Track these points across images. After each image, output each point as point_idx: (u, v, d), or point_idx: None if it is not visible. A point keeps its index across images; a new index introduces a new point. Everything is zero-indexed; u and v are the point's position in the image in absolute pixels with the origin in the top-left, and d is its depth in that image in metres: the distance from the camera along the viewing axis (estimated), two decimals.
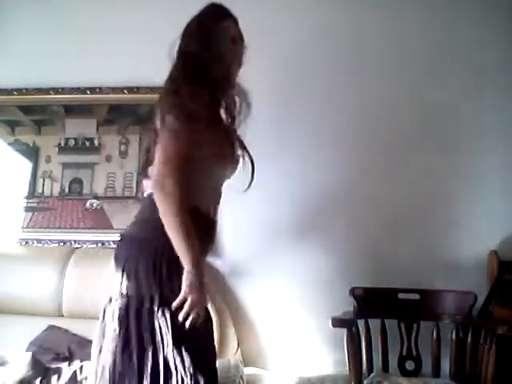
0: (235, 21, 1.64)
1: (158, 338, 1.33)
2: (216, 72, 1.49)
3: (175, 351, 1.32)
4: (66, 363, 1.91)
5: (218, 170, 1.52)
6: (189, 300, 1.30)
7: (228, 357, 2.01)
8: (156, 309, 1.34)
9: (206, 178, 1.47)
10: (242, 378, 1.86)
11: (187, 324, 1.30)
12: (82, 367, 1.84)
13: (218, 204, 1.56)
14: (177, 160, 1.33)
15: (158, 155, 1.36)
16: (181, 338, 1.33)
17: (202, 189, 1.45)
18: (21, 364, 1.81)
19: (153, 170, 1.37)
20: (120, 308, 1.36)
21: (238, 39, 1.61)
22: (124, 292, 1.37)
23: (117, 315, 1.36)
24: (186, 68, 1.52)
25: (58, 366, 1.86)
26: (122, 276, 1.38)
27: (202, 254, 1.43)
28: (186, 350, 1.33)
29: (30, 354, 1.84)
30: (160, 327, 1.33)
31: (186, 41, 1.58)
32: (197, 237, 1.34)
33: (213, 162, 1.47)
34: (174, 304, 1.31)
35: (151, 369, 1.32)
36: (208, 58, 1.51)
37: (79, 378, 1.82)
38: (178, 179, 1.31)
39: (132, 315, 1.34)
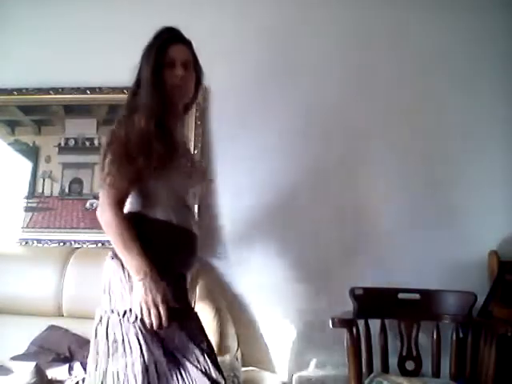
0: (187, 45, 1.65)
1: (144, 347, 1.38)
2: (150, 97, 1.52)
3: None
4: (67, 368, 1.91)
5: (178, 187, 1.55)
6: (143, 307, 1.37)
7: (225, 355, 2.00)
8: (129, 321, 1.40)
9: (169, 194, 1.52)
10: (237, 376, 1.84)
11: (155, 327, 1.37)
12: (84, 380, 1.84)
13: (191, 216, 1.61)
14: (115, 192, 1.44)
15: (101, 184, 1.46)
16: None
17: (168, 204, 1.51)
18: (24, 373, 1.80)
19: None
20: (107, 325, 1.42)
21: (178, 62, 1.59)
22: (107, 309, 1.44)
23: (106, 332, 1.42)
24: (132, 94, 1.59)
25: (61, 379, 1.86)
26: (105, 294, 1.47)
27: (183, 266, 1.51)
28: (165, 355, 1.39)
29: (33, 363, 1.83)
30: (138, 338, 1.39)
31: (139, 64, 1.62)
32: (161, 249, 1.44)
33: (169, 182, 1.52)
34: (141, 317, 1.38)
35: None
36: (144, 82, 1.55)
37: None
38: (114, 208, 1.43)
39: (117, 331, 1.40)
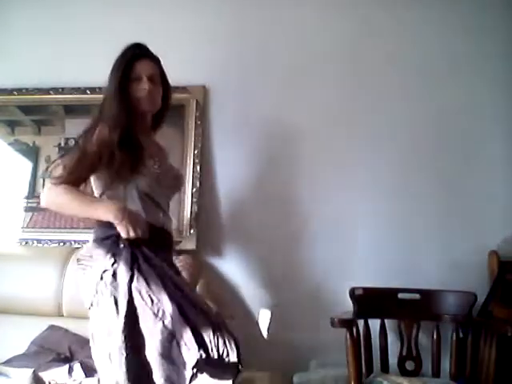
0: (154, 61, 1.76)
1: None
2: (115, 108, 1.63)
3: None
4: (67, 370, 1.89)
5: (146, 190, 1.65)
6: (123, 223, 1.52)
7: None
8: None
9: (137, 197, 1.64)
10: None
11: (131, 234, 1.52)
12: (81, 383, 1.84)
13: (164, 215, 1.71)
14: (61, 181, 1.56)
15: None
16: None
17: (138, 205, 1.63)
18: (22, 380, 1.80)
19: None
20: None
21: (144, 77, 1.69)
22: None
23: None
24: (100, 108, 1.71)
25: (61, 382, 1.84)
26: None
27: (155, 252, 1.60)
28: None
29: (31, 370, 1.83)
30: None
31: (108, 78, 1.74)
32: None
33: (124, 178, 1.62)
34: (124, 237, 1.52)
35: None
36: (110, 95, 1.68)
37: None
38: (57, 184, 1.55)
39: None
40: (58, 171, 1.61)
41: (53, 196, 1.57)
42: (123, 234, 1.52)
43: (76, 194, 1.56)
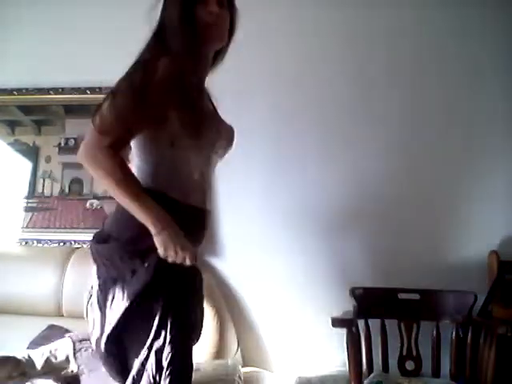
0: None
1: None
2: (182, 37, 1.29)
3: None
4: (34, 350, 1.81)
5: (201, 163, 1.36)
6: (169, 256, 1.22)
7: (227, 357, 2.00)
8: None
9: (185, 159, 1.32)
10: (240, 377, 1.86)
11: (189, 262, 1.22)
12: (56, 350, 1.76)
13: (209, 191, 1.43)
14: (108, 138, 1.18)
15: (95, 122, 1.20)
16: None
17: (179, 175, 1.32)
18: (1, 367, 1.73)
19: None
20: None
21: (215, 2, 1.37)
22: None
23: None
24: (155, 39, 1.37)
25: (28, 356, 1.75)
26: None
27: (193, 242, 1.31)
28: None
29: (11, 356, 1.72)
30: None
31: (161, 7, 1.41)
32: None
33: (186, 140, 1.28)
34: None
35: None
36: (173, 21, 1.33)
37: (55, 362, 1.76)
38: (109, 151, 1.18)
39: None
40: (105, 114, 1.20)
41: (94, 163, 1.20)
42: (162, 252, 1.22)
43: (122, 172, 1.20)
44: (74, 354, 1.75)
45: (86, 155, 1.20)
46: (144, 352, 1.25)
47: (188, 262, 1.23)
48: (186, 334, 1.30)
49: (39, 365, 1.75)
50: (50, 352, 1.78)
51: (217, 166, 1.51)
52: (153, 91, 1.20)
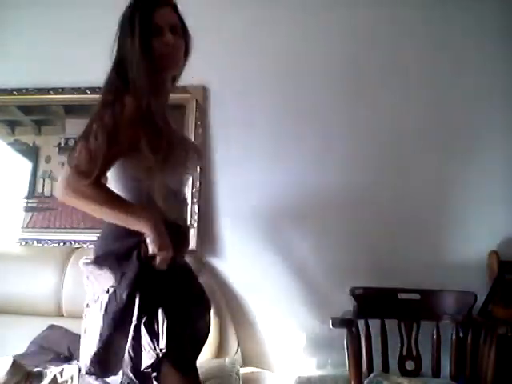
0: (172, 7, 1.48)
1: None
2: (143, 72, 1.36)
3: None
4: (52, 367, 1.88)
5: (174, 183, 1.47)
6: (149, 240, 1.32)
7: (225, 357, 2.00)
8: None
9: (163, 191, 1.42)
10: (237, 374, 1.85)
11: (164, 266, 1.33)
12: (62, 370, 1.82)
13: (185, 209, 1.54)
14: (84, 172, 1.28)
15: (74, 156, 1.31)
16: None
17: (163, 202, 1.41)
18: (1, 368, 1.78)
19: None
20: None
21: (166, 28, 1.42)
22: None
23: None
24: (115, 74, 1.46)
25: (40, 369, 1.83)
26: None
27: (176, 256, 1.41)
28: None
29: (11, 358, 1.80)
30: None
31: (118, 39, 1.47)
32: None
33: (158, 170, 1.37)
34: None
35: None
36: (132, 56, 1.38)
37: (60, 380, 1.80)
38: (86, 178, 1.28)
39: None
40: (81, 156, 1.29)
41: (76, 195, 1.30)
42: (151, 251, 1.32)
43: (105, 196, 1.32)
44: (79, 375, 1.77)
45: (74, 193, 1.30)
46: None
47: (164, 264, 1.34)
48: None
49: (47, 380, 1.79)
50: (58, 372, 1.81)
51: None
52: (122, 130, 1.30)
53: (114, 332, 1.33)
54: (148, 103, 1.32)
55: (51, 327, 2.16)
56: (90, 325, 1.37)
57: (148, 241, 1.32)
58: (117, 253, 1.36)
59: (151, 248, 1.32)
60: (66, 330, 2.15)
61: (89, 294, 1.41)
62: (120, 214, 1.34)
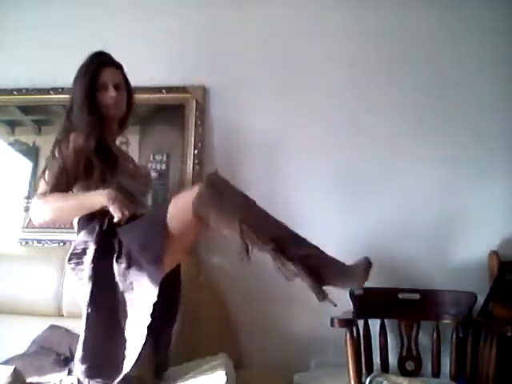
0: (118, 68, 1.89)
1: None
2: (86, 118, 1.74)
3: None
4: (49, 376, 1.88)
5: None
6: (111, 208, 1.63)
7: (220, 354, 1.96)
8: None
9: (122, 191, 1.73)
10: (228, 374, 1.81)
11: (125, 213, 1.63)
12: (61, 381, 1.83)
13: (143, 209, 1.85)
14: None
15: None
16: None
17: None
18: (1, 377, 1.78)
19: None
20: None
21: (110, 85, 1.81)
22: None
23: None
24: (67, 117, 1.81)
25: (40, 381, 1.82)
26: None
27: None
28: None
29: (12, 367, 1.81)
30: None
31: (72, 86, 1.85)
32: None
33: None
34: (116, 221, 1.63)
35: None
36: (78, 105, 1.76)
37: None
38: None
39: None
40: (42, 187, 1.68)
41: (44, 207, 1.64)
42: (116, 215, 1.60)
43: (65, 195, 1.67)
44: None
45: (38, 209, 1.66)
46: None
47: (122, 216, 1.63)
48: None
49: None
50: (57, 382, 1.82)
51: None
52: (70, 159, 1.68)
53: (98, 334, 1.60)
54: (88, 139, 1.69)
55: (51, 327, 2.15)
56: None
57: (111, 210, 1.61)
58: (85, 240, 1.70)
59: (115, 215, 1.61)
60: (66, 330, 2.15)
61: (81, 296, 1.66)
62: (81, 200, 1.67)
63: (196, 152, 2.44)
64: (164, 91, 2.51)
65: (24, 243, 2.46)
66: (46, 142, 2.58)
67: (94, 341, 1.58)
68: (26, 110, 2.63)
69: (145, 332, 1.54)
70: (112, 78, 1.83)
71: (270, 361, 2.31)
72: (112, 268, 1.60)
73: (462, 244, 2.30)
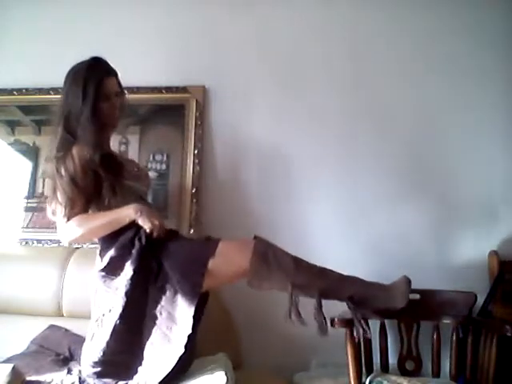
0: (116, 76, 1.85)
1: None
2: (92, 134, 1.70)
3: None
4: (65, 374, 1.88)
5: (135, 193, 1.82)
6: (140, 220, 1.67)
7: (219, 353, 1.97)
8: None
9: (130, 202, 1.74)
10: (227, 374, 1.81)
11: (155, 223, 1.67)
12: (62, 381, 1.82)
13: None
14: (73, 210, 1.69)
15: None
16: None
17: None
18: (0, 375, 1.78)
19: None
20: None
21: (113, 95, 1.81)
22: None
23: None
24: (65, 129, 1.74)
25: (39, 379, 1.82)
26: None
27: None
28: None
29: (11, 365, 1.81)
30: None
31: (66, 94, 1.78)
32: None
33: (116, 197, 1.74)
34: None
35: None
36: (84, 120, 1.70)
37: None
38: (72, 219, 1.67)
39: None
40: (60, 209, 1.68)
41: (77, 229, 1.66)
42: (147, 226, 1.65)
43: (92, 215, 1.70)
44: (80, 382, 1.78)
45: (72, 235, 1.69)
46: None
47: (155, 230, 1.68)
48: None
49: None
50: (58, 381, 1.82)
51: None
52: (79, 174, 1.66)
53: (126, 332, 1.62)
54: (93, 151, 1.67)
55: (51, 327, 2.15)
56: (102, 332, 1.63)
57: (140, 222, 1.66)
58: (120, 254, 1.67)
59: (146, 226, 1.65)
60: (66, 330, 2.15)
61: (104, 302, 1.67)
62: (111, 218, 1.68)
63: (196, 152, 2.44)
64: (164, 91, 2.52)
65: (24, 243, 2.46)
66: (45, 142, 2.58)
67: (115, 352, 1.62)
68: (26, 109, 2.63)
69: (176, 360, 1.58)
70: (113, 88, 1.82)
71: (270, 361, 2.31)
72: (147, 287, 1.64)
73: (462, 244, 2.30)
